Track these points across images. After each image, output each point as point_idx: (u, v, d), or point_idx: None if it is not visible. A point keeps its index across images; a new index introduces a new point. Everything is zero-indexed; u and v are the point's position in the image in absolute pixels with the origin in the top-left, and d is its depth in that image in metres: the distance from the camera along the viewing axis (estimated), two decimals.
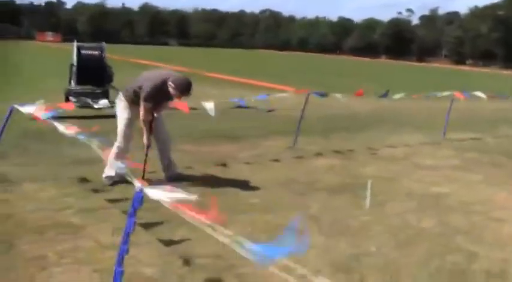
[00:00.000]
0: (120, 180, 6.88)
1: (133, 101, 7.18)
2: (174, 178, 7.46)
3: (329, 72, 46.50)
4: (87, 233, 5.43)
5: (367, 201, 6.73)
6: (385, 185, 7.90)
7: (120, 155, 6.84)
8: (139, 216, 3.45)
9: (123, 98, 7.32)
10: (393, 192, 7.63)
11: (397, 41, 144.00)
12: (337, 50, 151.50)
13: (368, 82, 32.81)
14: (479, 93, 13.20)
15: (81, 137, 5.11)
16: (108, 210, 6.12)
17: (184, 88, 6.98)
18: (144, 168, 7.14)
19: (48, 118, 6.32)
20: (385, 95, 11.30)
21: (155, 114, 7.22)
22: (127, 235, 3.41)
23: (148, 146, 7.24)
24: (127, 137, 7.27)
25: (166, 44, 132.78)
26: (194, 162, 8.74)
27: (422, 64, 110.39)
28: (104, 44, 14.98)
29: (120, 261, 3.45)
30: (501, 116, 18.67)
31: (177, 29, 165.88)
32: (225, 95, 18.60)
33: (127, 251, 3.47)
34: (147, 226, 5.41)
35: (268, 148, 10.33)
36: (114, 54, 28.16)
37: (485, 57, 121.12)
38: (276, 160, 9.29)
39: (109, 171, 7.18)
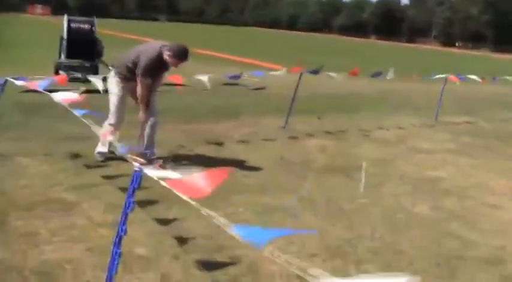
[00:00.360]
0: (112, 156, 6.82)
1: (125, 77, 7.05)
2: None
3: (319, 51, 46.28)
4: (79, 210, 5.36)
5: (362, 184, 6.69)
6: (380, 168, 7.88)
7: (113, 132, 6.71)
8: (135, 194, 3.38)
9: (114, 74, 7.17)
10: (388, 174, 7.58)
11: (386, 20, 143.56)
12: (326, 28, 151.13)
13: (360, 62, 32.72)
14: (474, 77, 13.16)
15: (76, 112, 5.00)
16: (101, 187, 6.04)
17: (182, 54, 6.88)
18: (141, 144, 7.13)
19: (44, 89, 6.18)
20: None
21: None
22: (125, 215, 3.33)
23: (145, 122, 7.12)
24: (120, 114, 7.14)
25: (155, 19, 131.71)
26: (187, 140, 8.67)
27: (414, 45, 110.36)
28: (94, 18, 14.80)
29: (118, 242, 3.37)
30: (495, 99, 18.72)
31: (166, 4, 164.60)
32: (217, 72, 18.46)
33: (125, 232, 3.39)
34: (142, 204, 5.32)
35: (261, 127, 10.25)
36: (103, 28, 27.80)
37: (475, 40, 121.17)
38: (269, 140, 9.24)
39: (101, 147, 7.11)
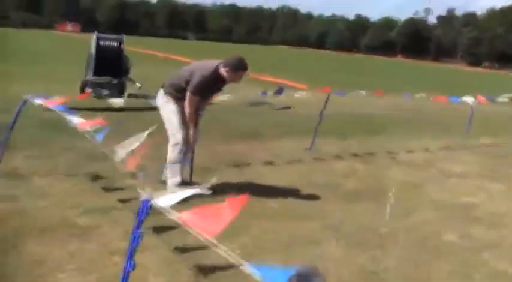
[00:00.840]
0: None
1: (177, 97, 6.72)
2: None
3: (346, 70, 46.07)
4: (95, 235, 5.16)
5: (388, 212, 6.43)
6: (408, 193, 7.59)
7: (181, 156, 6.69)
8: (149, 219, 3.18)
9: (164, 94, 6.82)
10: (417, 200, 7.30)
11: (414, 40, 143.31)
12: (353, 47, 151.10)
13: (387, 81, 32.46)
14: (503, 98, 12.87)
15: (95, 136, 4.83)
16: (119, 211, 5.83)
17: (240, 65, 6.66)
18: (192, 167, 7.06)
19: (61, 110, 6.02)
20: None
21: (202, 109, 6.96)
22: (132, 249, 3.12)
23: (195, 141, 6.88)
24: (184, 130, 6.74)
25: (184, 37, 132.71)
26: (210, 162, 8.41)
27: (440, 64, 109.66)
28: (123, 35, 14.77)
29: (126, 279, 3.16)
30: None
31: (195, 23, 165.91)
32: (242, 91, 18.33)
33: (133, 267, 3.18)
34: (156, 229, 5.13)
35: (286, 149, 9.99)
36: (131, 45, 27.89)
37: (502, 59, 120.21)
38: (294, 162, 9.00)
39: (174, 176, 6.76)
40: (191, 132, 6.71)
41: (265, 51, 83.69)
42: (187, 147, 6.82)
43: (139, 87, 14.49)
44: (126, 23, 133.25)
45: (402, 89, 12.69)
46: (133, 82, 14.28)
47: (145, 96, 11.06)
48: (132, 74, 14.36)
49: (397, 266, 5.05)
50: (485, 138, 13.15)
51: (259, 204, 6.42)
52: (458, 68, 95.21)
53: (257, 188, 7.14)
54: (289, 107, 15.51)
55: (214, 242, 2.71)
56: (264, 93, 10.43)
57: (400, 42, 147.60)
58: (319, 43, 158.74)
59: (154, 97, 7.04)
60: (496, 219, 6.76)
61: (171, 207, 3.06)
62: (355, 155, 9.95)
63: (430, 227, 6.25)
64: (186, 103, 6.57)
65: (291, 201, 6.79)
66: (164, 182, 6.73)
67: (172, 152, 6.64)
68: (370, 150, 10.39)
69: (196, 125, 6.74)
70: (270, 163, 8.74)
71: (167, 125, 6.75)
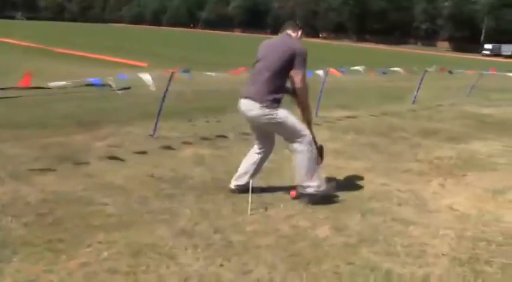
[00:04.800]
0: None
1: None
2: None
3: (187, 47, 45.14)
4: None
5: (249, 206, 5.58)
6: (266, 180, 6.75)
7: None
8: None
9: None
10: (277, 189, 6.47)
11: (251, 14, 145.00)
12: (190, 23, 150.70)
13: (227, 56, 31.90)
14: (358, 67, 12.53)
15: None
16: None
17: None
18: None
19: None
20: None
21: None
22: None
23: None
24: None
25: (12, 17, 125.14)
26: (37, 158, 7.16)
27: None
28: None
29: None
30: (374, 91, 18.35)
31: (24, 2, 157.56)
32: (76, 72, 16.85)
33: None
34: None
35: (127, 136, 8.88)
36: None
37: (337, 30, 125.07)
38: (137, 152, 7.86)
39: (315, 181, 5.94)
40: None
41: (100, 30, 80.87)
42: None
43: None
44: None
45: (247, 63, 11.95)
46: None
47: None
48: None
49: (270, 273, 4.19)
50: (339, 111, 12.76)
51: (93, 211, 5.36)
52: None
53: (91, 188, 6.04)
54: (128, 88, 14.27)
55: None
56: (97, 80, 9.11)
57: (237, 17, 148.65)
58: (156, 20, 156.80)
59: None
60: (363, 205, 6.11)
61: None
62: (204, 138, 9.03)
63: (294, 220, 5.46)
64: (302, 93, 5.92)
65: (130, 203, 5.69)
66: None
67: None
68: (219, 132, 9.51)
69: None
70: (107, 156, 7.54)
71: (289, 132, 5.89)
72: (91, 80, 8.02)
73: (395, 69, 15.52)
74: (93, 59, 25.52)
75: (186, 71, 9.67)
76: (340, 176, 7.22)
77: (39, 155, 7.31)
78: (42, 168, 6.64)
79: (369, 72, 14.90)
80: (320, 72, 11.64)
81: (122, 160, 7.39)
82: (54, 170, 6.63)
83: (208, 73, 10.05)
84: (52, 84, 7.26)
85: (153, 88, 8.24)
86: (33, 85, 7.48)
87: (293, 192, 6.08)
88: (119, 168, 6.98)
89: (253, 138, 6.37)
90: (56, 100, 10.85)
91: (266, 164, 6.53)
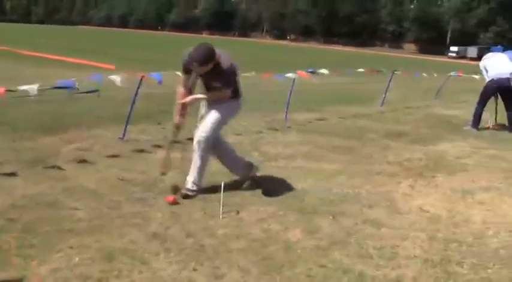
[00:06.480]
0: None
1: None
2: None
3: (152, 49, 44.95)
4: None
5: (221, 209, 5.56)
6: (230, 184, 6.67)
7: None
8: None
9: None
10: (246, 192, 6.44)
11: (218, 16, 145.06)
12: (158, 26, 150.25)
13: None
14: (323, 70, 12.55)
15: None
16: None
17: (188, 54, 5.99)
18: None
19: None
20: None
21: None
22: None
23: (176, 127, 6.41)
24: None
25: None
26: (4, 162, 7.02)
27: (249, 39, 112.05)
28: None
29: None
30: (342, 93, 18.43)
31: None
32: (45, 75, 16.65)
33: None
34: None
35: (96, 140, 8.76)
36: None
37: (305, 33, 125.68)
38: (107, 156, 7.75)
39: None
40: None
41: (66, 32, 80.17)
42: None
43: None
44: None
45: None
46: None
47: None
48: None
49: (243, 277, 4.18)
50: (308, 114, 12.79)
51: (63, 216, 5.27)
52: (266, 42, 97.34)
53: (59, 193, 5.95)
54: (96, 91, 14.08)
55: None
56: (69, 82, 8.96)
57: (204, 19, 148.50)
58: (123, 22, 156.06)
59: None
60: (335, 207, 6.12)
61: None
62: (175, 141, 8.95)
63: (266, 223, 5.45)
64: None
65: (99, 209, 5.59)
66: None
67: None
68: (189, 135, 9.43)
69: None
70: (79, 159, 7.44)
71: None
72: (61, 82, 7.91)
73: (360, 70, 15.65)
74: (59, 61, 25.25)
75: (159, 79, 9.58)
76: (311, 179, 7.22)
77: (5, 158, 7.17)
78: (10, 173, 6.52)
79: (335, 74, 14.90)
80: (289, 74, 11.66)
81: (91, 163, 7.30)
82: (23, 174, 6.52)
83: (178, 72, 9.97)
84: (22, 87, 7.15)
85: (120, 85, 8.21)
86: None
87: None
88: (89, 172, 6.89)
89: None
90: (21, 102, 10.65)
91: None
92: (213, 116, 6.17)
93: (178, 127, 6.28)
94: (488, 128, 12.67)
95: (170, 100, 6.82)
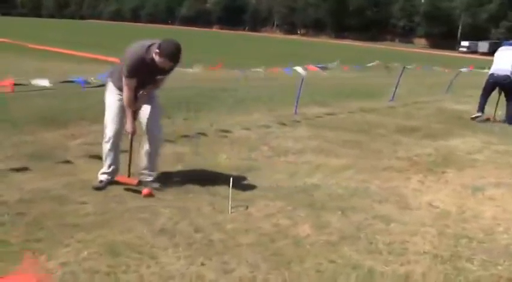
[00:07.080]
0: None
1: (120, 87, 5.93)
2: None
3: None
4: None
5: (229, 204, 5.54)
6: (247, 178, 6.72)
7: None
8: None
9: (110, 84, 6.13)
10: (257, 186, 6.44)
11: (229, 10, 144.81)
12: (169, 19, 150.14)
13: (213, 54, 31.73)
14: (332, 64, 12.53)
15: None
16: None
17: (169, 53, 5.47)
18: (130, 163, 6.13)
19: None
20: None
21: (140, 94, 5.93)
22: None
23: (132, 134, 5.98)
24: (115, 125, 6.07)
25: None
26: (10, 156, 7.03)
27: (259, 34, 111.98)
28: None
29: None
30: (352, 88, 18.35)
31: None
32: (55, 69, 16.70)
33: None
34: None
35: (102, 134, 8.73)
36: None
37: (316, 27, 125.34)
38: None
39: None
40: (128, 123, 5.91)
41: (77, 26, 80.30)
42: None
43: None
44: None
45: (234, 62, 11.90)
46: None
47: None
48: None
49: (252, 272, 4.17)
50: (318, 108, 12.75)
51: (70, 210, 5.28)
52: (277, 37, 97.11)
53: (69, 187, 5.95)
54: (104, 85, 14.02)
55: None
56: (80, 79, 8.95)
57: (215, 13, 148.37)
58: (134, 17, 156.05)
59: None
60: (344, 203, 6.09)
61: None
62: (184, 136, 8.96)
63: (275, 218, 5.43)
64: (124, 89, 5.79)
65: (109, 200, 5.66)
66: None
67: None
68: (200, 130, 9.44)
69: (133, 112, 5.91)
70: (87, 153, 7.43)
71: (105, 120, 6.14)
72: (73, 77, 7.93)
73: (372, 64, 15.62)
74: (71, 56, 25.29)
75: None
76: (320, 173, 7.20)
77: (12, 153, 7.17)
78: (18, 167, 6.52)
79: (345, 68, 14.87)
80: (299, 68, 11.63)
81: (99, 158, 7.29)
82: (31, 169, 6.52)
83: (186, 69, 9.97)
84: (34, 81, 7.17)
85: None
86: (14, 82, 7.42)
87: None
88: (96, 166, 6.87)
89: None
90: (21, 97, 10.63)
91: (246, 161, 6.48)
92: (154, 105, 6.16)
93: (134, 134, 6.08)
94: (488, 120, 12.83)
95: (178, 94, 6.79)
